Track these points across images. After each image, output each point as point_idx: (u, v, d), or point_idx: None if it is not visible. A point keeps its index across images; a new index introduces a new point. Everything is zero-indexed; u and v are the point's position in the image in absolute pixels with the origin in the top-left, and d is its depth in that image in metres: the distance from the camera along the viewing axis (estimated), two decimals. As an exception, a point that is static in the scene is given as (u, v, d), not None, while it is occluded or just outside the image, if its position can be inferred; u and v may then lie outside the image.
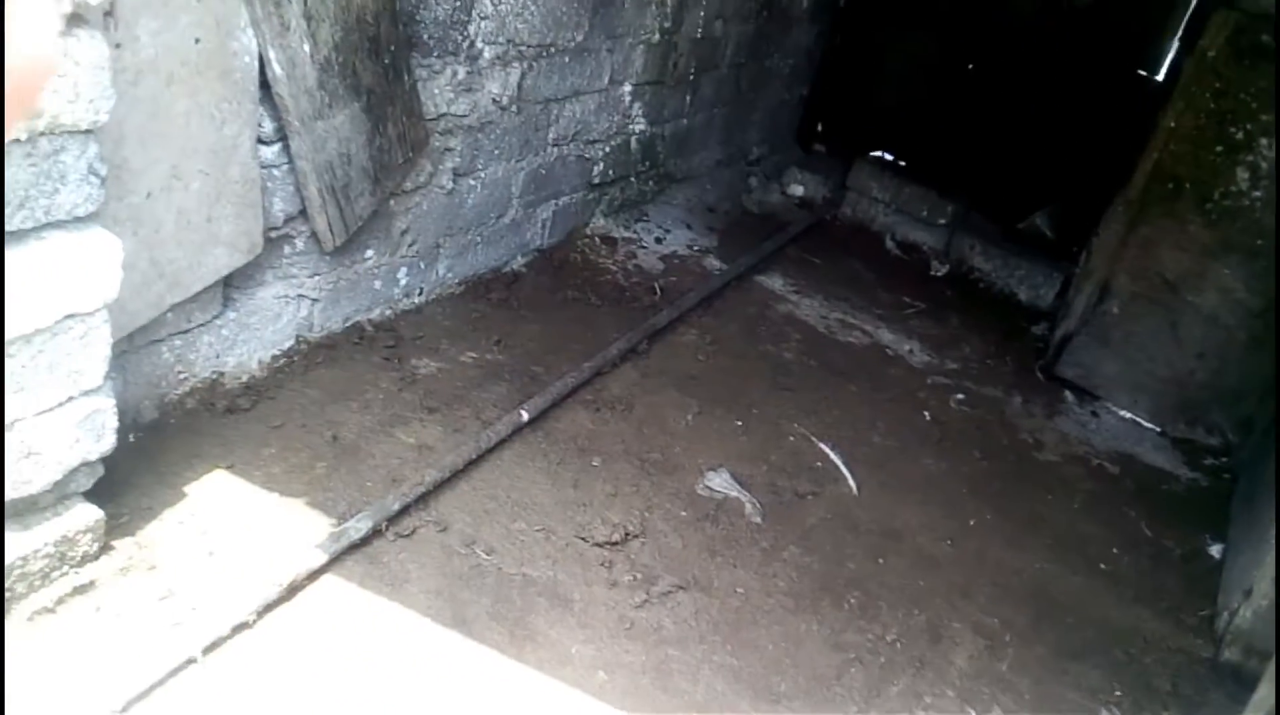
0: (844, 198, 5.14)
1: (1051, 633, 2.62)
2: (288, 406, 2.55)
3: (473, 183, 3.22)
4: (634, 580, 2.38)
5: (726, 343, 3.59)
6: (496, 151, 3.27)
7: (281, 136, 2.34)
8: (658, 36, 3.96)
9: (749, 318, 3.86)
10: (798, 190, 5.22)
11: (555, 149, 3.62)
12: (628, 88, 3.92)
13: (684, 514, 2.65)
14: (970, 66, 5.50)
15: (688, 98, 4.46)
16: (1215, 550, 3.15)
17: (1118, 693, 2.47)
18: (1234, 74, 3.58)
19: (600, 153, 3.92)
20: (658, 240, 4.20)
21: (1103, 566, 2.96)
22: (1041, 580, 2.82)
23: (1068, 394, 3.94)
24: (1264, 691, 2.17)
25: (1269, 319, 3.62)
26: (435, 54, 2.82)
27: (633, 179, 4.26)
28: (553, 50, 3.33)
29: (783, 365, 3.58)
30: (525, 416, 2.75)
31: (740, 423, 3.13)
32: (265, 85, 2.23)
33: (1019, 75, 5.39)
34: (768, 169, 5.38)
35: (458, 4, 2.83)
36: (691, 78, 4.39)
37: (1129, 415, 3.88)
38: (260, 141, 2.31)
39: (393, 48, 2.55)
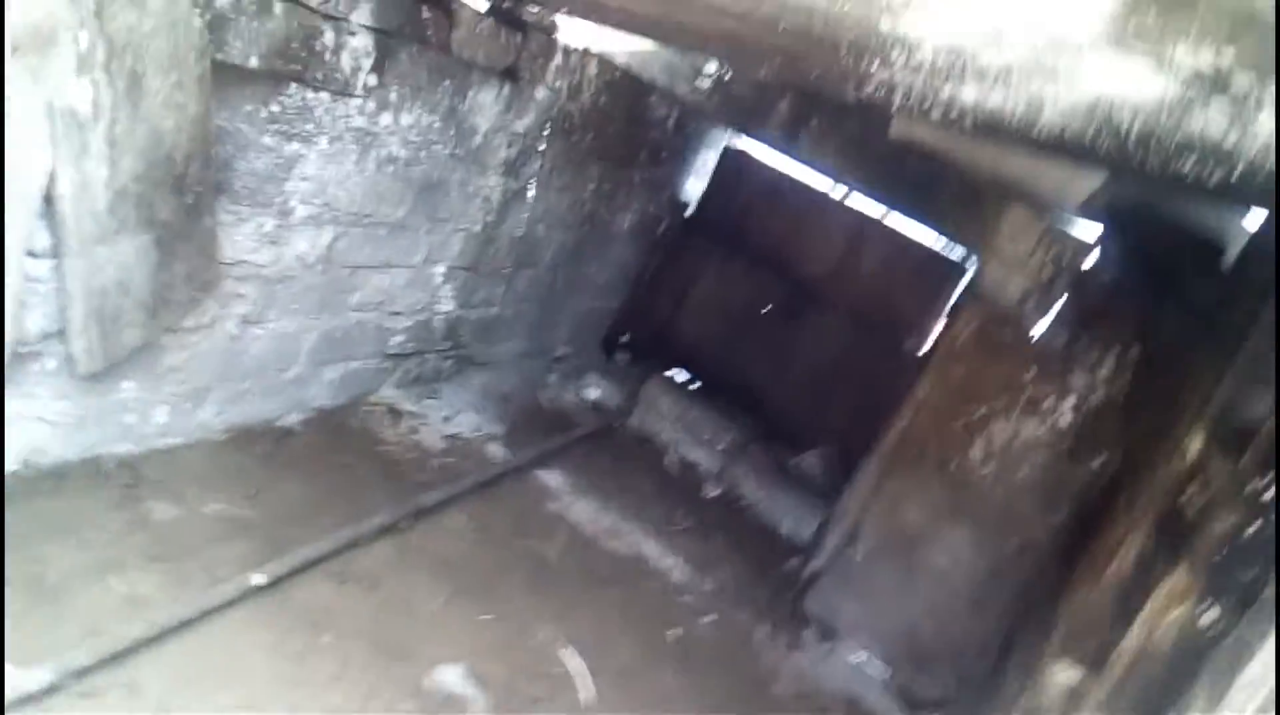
0: (635, 408, 5.34)
1: None
2: (-8, 534, 2.33)
3: (259, 332, 3.18)
4: (337, 774, 2.24)
5: (493, 532, 3.57)
6: (293, 306, 3.26)
7: (56, 254, 2.26)
8: (479, 228, 4.12)
9: (521, 510, 3.86)
10: (593, 394, 5.39)
11: (356, 314, 3.63)
12: (441, 269, 4.03)
13: (405, 706, 2.54)
14: (770, 308, 5.98)
15: (501, 289, 4.61)
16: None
17: None
18: (977, 362, 4.05)
19: (402, 325, 3.96)
20: (445, 419, 4.21)
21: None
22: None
23: (810, 630, 4.10)
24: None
25: (992, 583, 3.94)
26: (245, 203, 2.84)
27: (431, 356, 4.30)
28: (370, 221, 3.40)
29: (545, 563, 3.58)
30: (259, 580, 2.62)
31: (489, 616, 3.08)
32: (50, 201, 2.18)
33: (811, 327, 5.89)
34: (569, 369, 5.55)
35: (279, 161, 2.88)
36: (507, 271, 4.55)
37: (864, 657, 4.06)
38: (31, 254, 2.23)
39: (199, 189, 2.56)
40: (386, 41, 3.00)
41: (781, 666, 3.74)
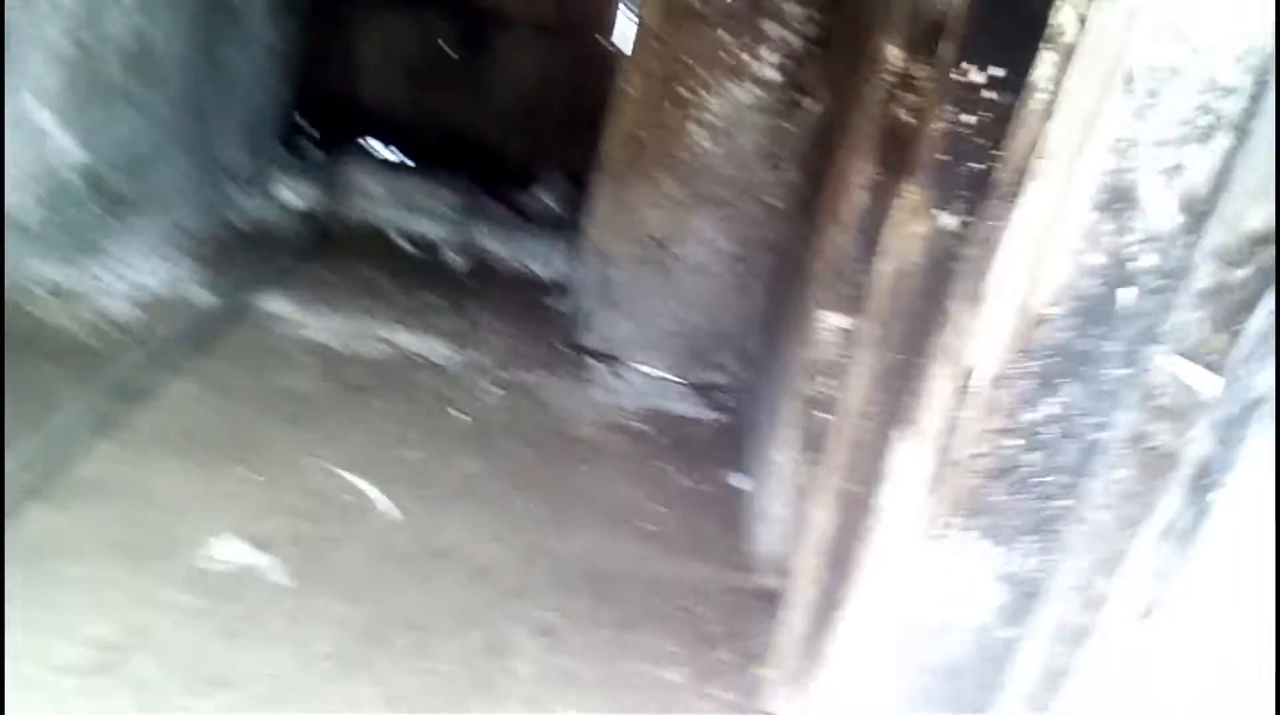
0: (342, 199, 4.85)
1: (609, 610, 2.62)
2: None
3: None
4: (137, 703, 1.97)
5: (227, 386, 3.18)
6: None
7: None
8: (68, 44, 3.36)
9: (255, 351, 3.46)
10: (291, 198, 4.83)
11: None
12: (39, 108, 3.30)
13: (190, 601, 2.27)
14: (442, 44, 5.46)
15: (130, 109, 3.88)
16: (745, 482, 3.39)
17: (677, 650, 2.53)
18: (670, 42, 3.82)
19: (23, 192, 3.27)
20: (126, 281, 3.63)
21: (650, 528, 3.04)
22: (594, 559, 2.83)
23: (593, 362, 4.05)
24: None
25: (749, 261, 3.97)
26: None
27: (78, 213, 3.63)
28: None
29: (297, 396, 3.25)
30: (-46, 537, 2.19)
31: (252, 474, 2.77)
32: None
33: (499, 54, 5.45)
34: (256, 181, 4.92)
35: None
36: (130, 88, 3.82)
37: (653, 372, 4.08)
38: None
39: None
40: None
41: (578, 407, 3.69)
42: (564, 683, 2.33)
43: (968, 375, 1.49)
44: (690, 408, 3.90)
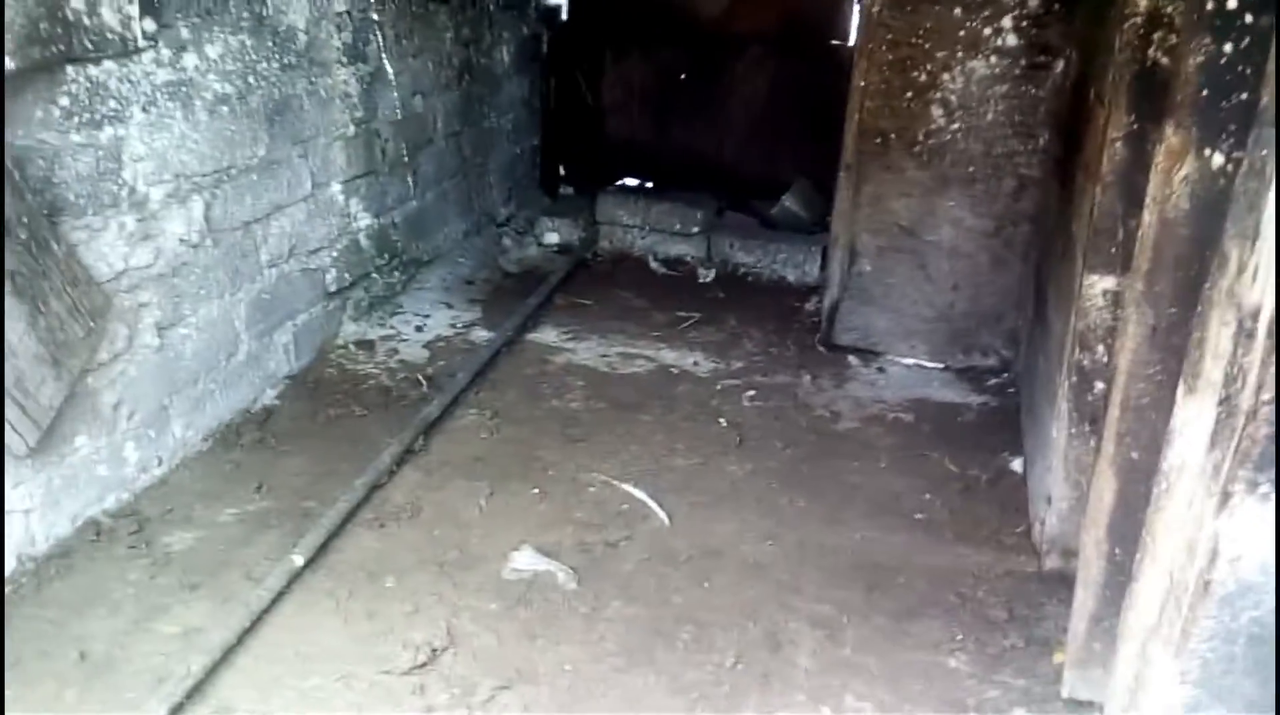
0: (599, 233, 5.12)
1: (886, 600, 2.59)
2: (20, 639, 2.25)
3: (184, 331, 2.99)
4: (452, 697, 2.20)
5: (509, 412, 3.46)
6: (202, 291, 3.05)
7: (-88, 350, 2.07)
8: (353, 130, 3.83)
9: (528, 379, 3.74)
10: (553, 238, 5.17)
11: (273, 270, 3.41)
12: (337, 187, 3.77)
13: (493, 607, 2.49)
14: (682, 77, 5.63)
15: (409, 179, 4.34)
16: (1017, 465, 3.23)
17: (959, 637, 2.46)
18: (900, 26, 3.74)
19: (327, 259, 3.74)
20: (418, 329, 4.04)
21: (919, 516, 2.97)
22: (865, 550, 2.80)
23: (851, 359, 4.01)
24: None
25: (1004, 235, 3.79)
26: (90, 211, 2.59)
27: (374, 275, 4.09)
28: (234, 172, 3.14)
29: (571, 417, 3.48)
30: (299, 560, 2.53)
31: (537, 491, 3.00)
32: None
33: (732, 74, 5.56)
34: (519, 225, 5.32)
35: (101, 153, 2.61)
36: (406, 159, 4.27)
37: (912, 361, 3.98)
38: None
39: (26, 220, 2.31)
40: (139, -23, 2.65)
41: (838, 404, 3.67)
42: (847, 673, 2.33)
43: (1253, 316, 1.37)
44: (956, 394, 3.76)
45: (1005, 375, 3.85)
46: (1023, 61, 3.65)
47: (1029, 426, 3.27)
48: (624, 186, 5.57)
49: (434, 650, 2.31)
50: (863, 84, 3.88)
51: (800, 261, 4.86)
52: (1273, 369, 1.31)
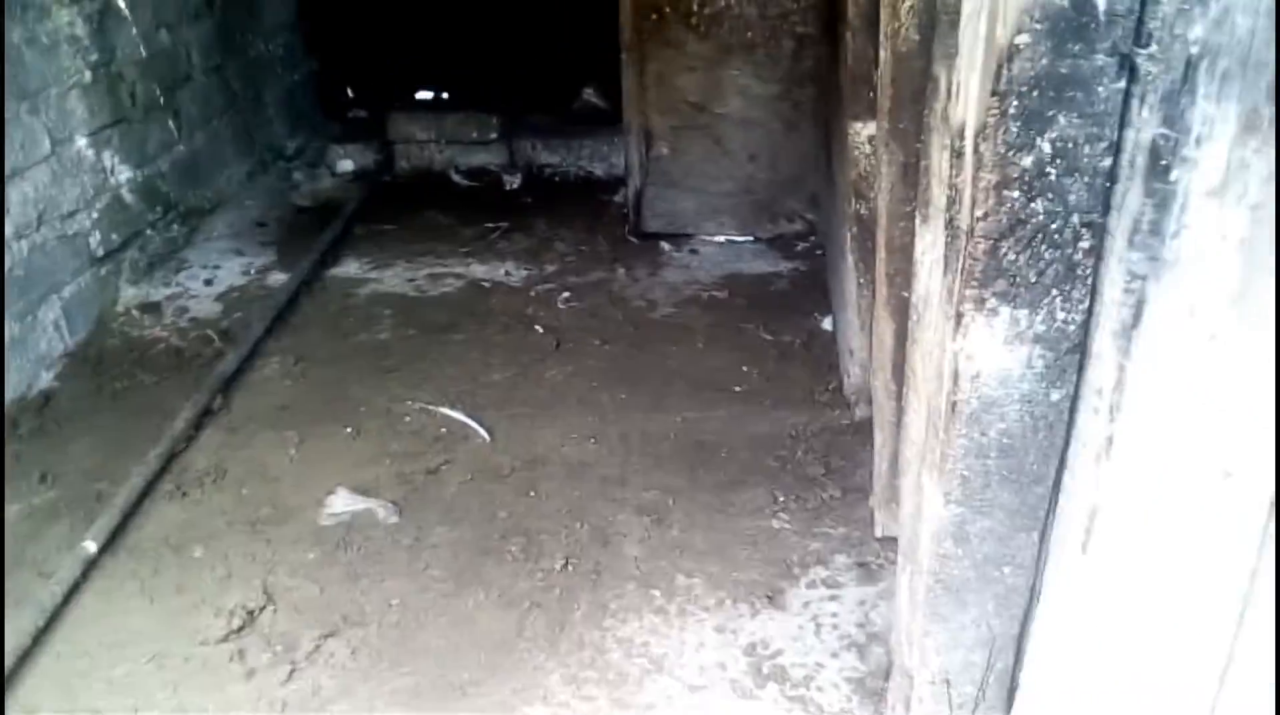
0: (395, 153, 4.89)
1: (710, 477, 2.62)
2: None
3: (-78, 325, 2.70)
4: (274, 655, 2.11)
5: (313, 354, 3.29)
6: (-64, 278, 2.75)
7: None
8: (89, 74, 3.48)
9: (331, 316, 3.57)
10: (347, 165, 4.91)
11: (23, 242, 3.11)
12: (83, 141, 3.44)
13: (312, 556, 2.39)
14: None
15: (171, 122, 4.01)
16: (827, 324, 3.29)
17: (781, 498, 2.51)
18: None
19: (87, 222, 3.44)
20: (207, 282, 3.79)
21: (738, 389, 3.00)
22: (688, 432, 2.82)
23: (664, 245, 3.99)
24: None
25: (791, 98, 3.78)
26: None
27: (148, 231, 3.80)
28: (-54, 143, 2.81)
29: (380, 348, 3.34)
30: (93, 547, 2.37)
31: (350, 430, 2.88)
32: None
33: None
34: (310, 157, 5.03)
35: None
36: (161, 101, 3.94)
37: (722, 238, 3.99)
38: None
39: None
40: None
41: (654, 292, 3.65)
42: (675, 553, 2.36)
43: (959, 134, 1.37)
44: (767, 264, 3.79)
45: (812, 238, 3.90)
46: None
47: (834, 285, 3.32)
48: (416, 100, 5.31)
49: (250, 612, 2.21)
50: (630, -41, 3.75)
51: (605, 154, 4.76)
52: (984, 185, 1.31)
